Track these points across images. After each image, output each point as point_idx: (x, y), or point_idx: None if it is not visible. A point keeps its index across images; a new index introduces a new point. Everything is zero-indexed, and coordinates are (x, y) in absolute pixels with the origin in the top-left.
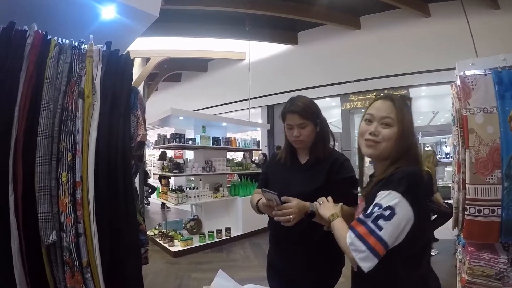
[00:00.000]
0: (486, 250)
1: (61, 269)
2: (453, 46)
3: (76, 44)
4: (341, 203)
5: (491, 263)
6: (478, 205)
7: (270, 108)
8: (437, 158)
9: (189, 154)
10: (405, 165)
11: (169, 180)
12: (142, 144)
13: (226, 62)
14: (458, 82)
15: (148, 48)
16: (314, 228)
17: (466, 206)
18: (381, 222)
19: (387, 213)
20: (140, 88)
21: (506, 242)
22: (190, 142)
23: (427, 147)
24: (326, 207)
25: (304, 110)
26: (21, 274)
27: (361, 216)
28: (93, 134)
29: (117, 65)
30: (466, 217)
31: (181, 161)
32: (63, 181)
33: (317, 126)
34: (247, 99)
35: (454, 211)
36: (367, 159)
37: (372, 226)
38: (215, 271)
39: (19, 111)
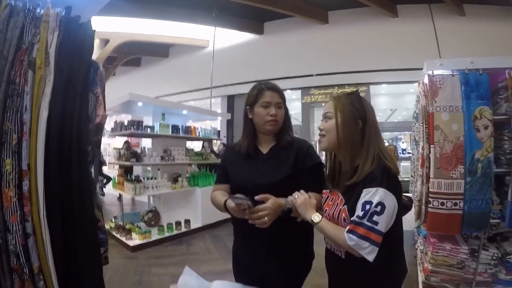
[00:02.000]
0: (448, 241)
1: (9, 277)
2: (417, 47)
3: (31, 6)
4: (311, 194)
5: (452, 253)
6: (442, 198)
7: (231, 98)
8: (398, 153)
9: (147, 143)
10: (365, 155)
11: (131, 169)
12: (101, 127)
13: (188, 48)
14: (426, 80)
15: (108, 29)
16: (286, 221)
17: (429, 199)
18: (375, 218)
19: (378, 208)
20: None
21: (465, 233)
22: (148, 130)
23: (385, 142)
24: (305, 206)
25: (281, 90)
26: None
27: (355, 218)
28: (44, 113)
29: (76, 34)
30: (429, 209)
31: (138, 150)
32: (6, 170)
33: (286, 111)
34: (208, 88)
35: (417, 204)
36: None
37: (369, 224)
38: (176, 265)
39: None
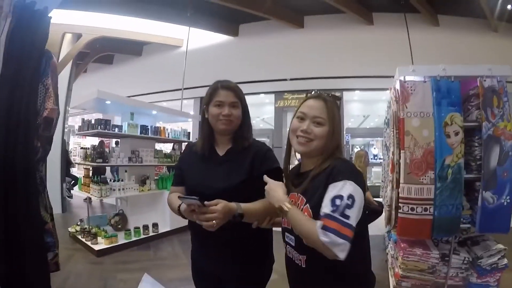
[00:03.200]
0: (418, 246)
1: None
2: (391, 55)
3: None
4: (265, 200)
5: (423, 258)
6: (411, 203)
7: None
8: (369, 158)
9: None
10: (328, 157)
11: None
12: (50, 122)
13: (162, 47)
14: (397, 86)
15: (81, 24)
16: (240, 226)
17: (399, 204)
18: (347, 211)
19: (350, 201)
20: (68, 68)
21: (436, 238)
22: (116, 129)
23: (357, 148)
24: (277, 192)
25: (238, 89)
26: None
27: (328, 212)
28: None
29: (30, 21)
30: (399, 215)
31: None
32: None
33: (244, 112)
34: (180, 89)
35: (387, 209)
36: (297, 155)
37: (342, 218)
38: (142, 270)
39: None
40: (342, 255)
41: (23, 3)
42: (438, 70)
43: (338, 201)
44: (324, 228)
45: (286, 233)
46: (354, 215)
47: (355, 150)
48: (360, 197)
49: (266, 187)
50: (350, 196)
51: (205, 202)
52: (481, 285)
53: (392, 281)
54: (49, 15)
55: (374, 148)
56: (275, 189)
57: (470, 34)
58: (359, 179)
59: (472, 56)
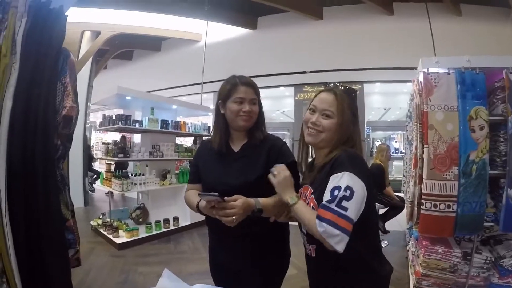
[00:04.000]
0: (440, 244)
1: None
2: (413, 46)
3: None
4: None
5: (445, 257)
6: (434, 200)
7: None
8: (390, 153)
9: (138, 139)
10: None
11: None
12: (69, 120)
13: (181, 42)
14: (420, 78)
15: (99, 21)
16: (257, 221)
17: (422, 200)
18: (344, 203)
19: (347, 193)
20: (88, 65)
21: (458, 236)
22: (137, 124)
23: (378, 141)
24: (284, 185)
25: (256, 85)
26: None
27: (324, 202)
28: (8, 103)
29: (46, 20)
30: (422, 211)
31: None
32: None
33: (259, 107)
34: (199, 83)
35: (409, 205)
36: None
37: (338, 209)
38: (163, 264)
39: None
40: (339, 247)
41: (38, 2)
42: (463, 62)
43: (335, 192)
44: (319, 218)
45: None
46: (352, 208)
47: (376, 143)
48: (360, 189)
49: (274, 182)
50: (348, 187)
51: (225, 198)
52: (502, 286)
53: (412, 279)
54: (66, 13)
55: (395, 142)
56: (282, 183)
57: (494, 23)
58: (361, 170)
59: (496, 46)
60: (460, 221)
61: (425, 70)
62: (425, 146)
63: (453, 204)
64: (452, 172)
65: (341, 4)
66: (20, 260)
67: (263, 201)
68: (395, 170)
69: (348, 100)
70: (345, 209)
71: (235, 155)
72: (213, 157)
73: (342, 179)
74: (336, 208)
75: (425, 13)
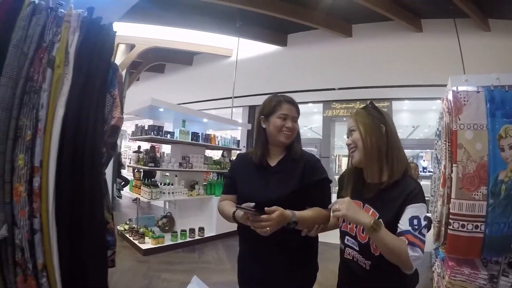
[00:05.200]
0: (467, 265)
1: (12, 271)
2: (441, 63)
3: (53, 5)
4: (318, 208)
5: (471, 278)
6: (462, 220)
7: (252, 109)
8: (419, 171)
9: (166, 149)
10: (392, 159)
11: (152, 173)
12: (116, 130)
13: (212, 57)
14: (450, 96)
15: (134, 35)
16: (290, 232)
17: (450, 220)
18: (423, 231)
19: (425, 222)
20: (122, 75)
21: (485, 258)
22: (168, 135)
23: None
24: (355, 210)
25: (297, 105)
26: None
27: (411, 231)
28: (60, 111)
29: (97, 35)
30: (449, 231)
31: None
32: (19, 165)
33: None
34: (230, 98)
35: (436, 224)
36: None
37: (421, 236)
38: (186, 272)
39: None
40: (415, 266)
41: (90, 18)
42: (492, 80)
43: (415, 221)
44: (412, 244)
45: (347, 237)
46: (425, 232)
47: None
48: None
49: (340, 214)
50: (426, 218)
51: (265, 209)
52: None
53: None
54: (115, 30)
55: (424, 161)
56: (351, 210)
57: None
58: (424, 198)
59: None
60: (488, 242)
61: (454, 88)
62: (454, 165)
63: (481, 225)
64: (480, 192)
65: (370, 21)
66: (62, 258)
67: (299, 213)
68: (424, 189)
69: (362, 112)
70: (424, 235)
71: (272, 169)
72: (251, 170)
73: (421, 210)
74: (420, 236)
75: (453, 30)
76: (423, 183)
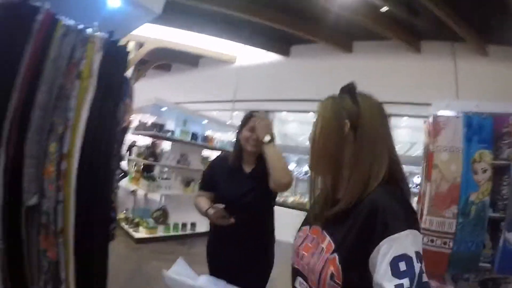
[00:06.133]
0: (435, 279)
1: (36, 230)
2: (437, 84)
3: (81, 28)
4: None
5: None
6: (432, 235)
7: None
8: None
9: (165, 145)
10: (350, 173)
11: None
12: (126, 130)
13: (217, 61)
14: (430, 120)
15: (144, 34)
16: (250, 223)
17: None
18: (424, 277)
19: (420, 262)
20: (129, 72)
21: (456, 275)
22: (169, 133)
23: None
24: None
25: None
26: None
27: None
28: (84, 114)
29: (115, 54)
30: None
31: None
32: (50, 151)
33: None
34: (230, 101)
35: None
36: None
37: None
38: (174, 262)
39: (21, 82)
40: None
41: (111, 41)
42: (472, 106)
43: (405, 267)
44: None
45: (299, 278)
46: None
47: None
48: (421, 247)
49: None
50: (418, 255)
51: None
52: None
53: None
54: (128, 50)
55: (418, 177)
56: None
57: None
58: (416, 218)
59: None
60: (455, 258)
61: (435, 112)
62: (428, 183)
63: (449, 241)
64: (451, 210)
65: (370, 39)
66: (76, 224)
67: None
68: (416, 206)
69: (331, 99)
70: (427, 284)
71: (246, 175)
72: (228, 172)
73: (410, 243)
74: None
75: (451, 52)
76: (416, 198)
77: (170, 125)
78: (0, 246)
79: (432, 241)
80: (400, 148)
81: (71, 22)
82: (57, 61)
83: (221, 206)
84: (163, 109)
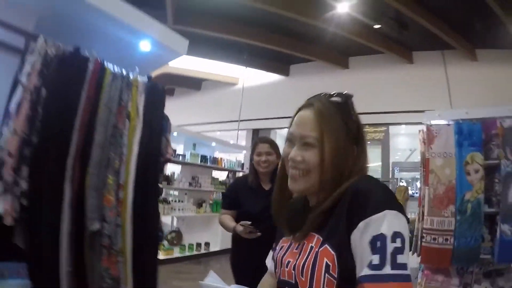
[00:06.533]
0: (441, 274)
1: (99, 251)
2: (431, 91)
3: (125, 73)
4: None
5: (444, 285)
6: (434, 234)
7: (256, 132)
8: (409, 193)
9: (173, 168)
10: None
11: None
12: (167, 162)
13: (220, 84)
14: (424, 129)
15: None
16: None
17: (423, 234)
18: (399, 258)
19: (399, 242)
20: None
21: (461, 268)
22: (180, 157)
23: (402, 182)
24: None
25: (272, 142)
26: (65, 251)
27: (371, 271)
28: (135, 148)
29: (155, 95)
30: (423, 244)
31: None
32: (109, 183)
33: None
34: (235, 121)
35: (414, 239)
36: None
37: (395, 272)
38: (194, 280)
39: (80, 123)
40: None
41: (151, 83)
42: (461, 114)
43: (378, 244)
44: None
45: None
46: (406, 259)
47: (400, 184)
48: (406, 231)
49: None
50: (397, 234)
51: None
52: None
53: None
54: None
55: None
56: None
57: (510, 66)
58: (399, 204)
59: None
60: (457, 253)
61: (428, 122)
62: (426, 187)
63: (450, 238)
64: (449, 210)
65: (365, 54)
66: (133, 246)
67: None
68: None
69: (334, 116)
70: (403, 266)
71: (266, 192)
72: (250, 191)
73: (386, 223)
74: (394, 272)
75: (442, 60)
76: (415, 203)
77: (179, 148)
78: (67, 269)
79: (434, 239)
80: (401, 154)
81: (115, 67)
82: (109, 104)
83: (248, 222)
84: (174, 134)
